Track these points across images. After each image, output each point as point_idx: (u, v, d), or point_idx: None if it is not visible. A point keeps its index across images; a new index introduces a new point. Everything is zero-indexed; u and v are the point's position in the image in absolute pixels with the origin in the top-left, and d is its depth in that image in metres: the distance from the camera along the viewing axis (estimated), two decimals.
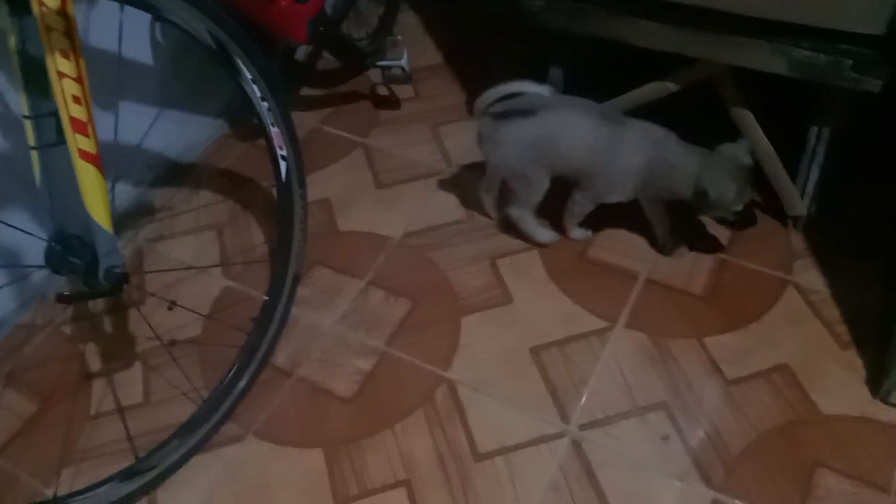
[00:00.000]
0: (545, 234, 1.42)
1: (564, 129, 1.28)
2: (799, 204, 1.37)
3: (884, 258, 1.36)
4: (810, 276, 1.35)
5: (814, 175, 1.34)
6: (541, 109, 1.28)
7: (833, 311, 1.30)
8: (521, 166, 1.32)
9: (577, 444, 1.16)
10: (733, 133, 1.31)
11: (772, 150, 1.33)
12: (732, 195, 1.23)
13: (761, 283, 1.35)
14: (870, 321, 1.27)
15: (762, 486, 1.10)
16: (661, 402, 1.20)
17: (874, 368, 1.21)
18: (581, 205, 1.37)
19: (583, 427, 1.17)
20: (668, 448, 1.14)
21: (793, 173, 1.36)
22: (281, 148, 1.19)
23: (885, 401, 1.18)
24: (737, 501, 1.09)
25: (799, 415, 1.17)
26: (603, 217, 1.39)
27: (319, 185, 1.55)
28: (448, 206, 1.51)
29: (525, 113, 1.28)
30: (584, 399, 1.21)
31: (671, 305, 1.32)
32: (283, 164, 1.19)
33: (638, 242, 1.42)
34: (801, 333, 1.27)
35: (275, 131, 1.17)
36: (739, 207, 1.25)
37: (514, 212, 1.39)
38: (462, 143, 1.63)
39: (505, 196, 1.41)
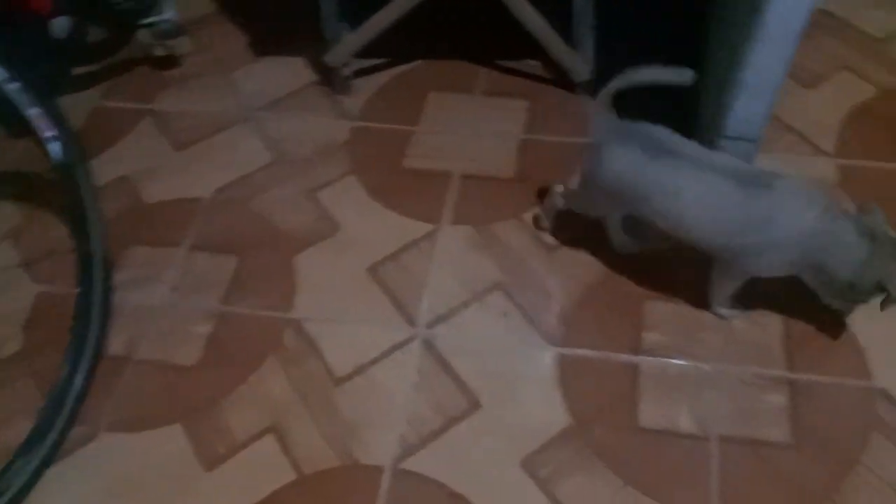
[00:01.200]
0: (625, 243, 1.25)
1: (680, 194, 1.06)
2: (583, 69, 1.44)
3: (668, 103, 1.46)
4: None
5: (588, 38, 1.41)
6: (663, 155, 1.06)
7: None
8: (597, 194, 1.16)
9: (427, 343, 1.19)
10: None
11: (542, 21, 1.37)
12: None
13: (567, 152, 1.41)
14: None
15: (600, 330, 1.19)
16: (496, 284, 1.25)
17: None
18: (722, 285, 1.15)
19: (430, 325, 1.21)
20: (510, 322, 1.21)
21: (572, 44, 1.42)
22: (48, 128, 1.11)
23: None
24: (579, 350, 1.17)
25: (617, 262, 1.26)
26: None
27: (113, 164, 1.46)
28: (254, 152, 1.47)
29: (643, 148, 1.07)
30: (425, 300, 1.24)
31: (488, 194, 1.37)
32: (54, 145, 1.11)
33: (445, 142, 1.45)
34: None
35: (34, 113, 1.09)
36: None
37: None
38: (255, 84, 1.58)
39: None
